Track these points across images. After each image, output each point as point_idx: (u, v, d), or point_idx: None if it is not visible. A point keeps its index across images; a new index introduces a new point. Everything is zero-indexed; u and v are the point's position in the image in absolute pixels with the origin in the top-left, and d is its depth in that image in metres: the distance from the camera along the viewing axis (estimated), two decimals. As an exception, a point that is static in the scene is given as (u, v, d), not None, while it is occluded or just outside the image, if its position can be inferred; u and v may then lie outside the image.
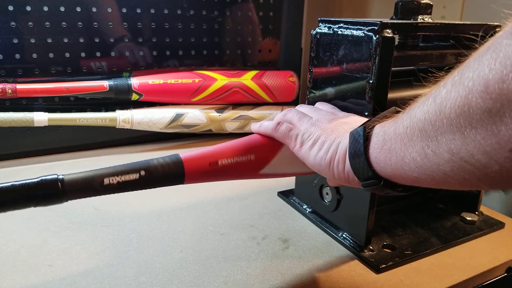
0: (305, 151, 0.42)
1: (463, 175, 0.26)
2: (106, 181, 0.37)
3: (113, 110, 0.77)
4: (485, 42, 0.24)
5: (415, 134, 0.29)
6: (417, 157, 0.29)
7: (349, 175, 0.38)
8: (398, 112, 0.37)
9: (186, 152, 0.42)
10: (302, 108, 0.49)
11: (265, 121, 0.47)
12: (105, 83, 0.76)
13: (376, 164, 0.35)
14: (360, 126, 0.37)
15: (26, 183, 0.35)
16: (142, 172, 0.39)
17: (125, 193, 0.40)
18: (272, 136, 0.46)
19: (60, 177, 0.36)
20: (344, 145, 0.39)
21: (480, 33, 0.50)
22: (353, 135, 0.37)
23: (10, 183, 0.34)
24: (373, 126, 0.36)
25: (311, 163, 0.42)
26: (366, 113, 0.46)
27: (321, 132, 0.42)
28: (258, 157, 0.45)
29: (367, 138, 0.35)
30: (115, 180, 0.38)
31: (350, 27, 0.48)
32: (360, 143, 0.36)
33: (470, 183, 0.26)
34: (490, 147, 0.23)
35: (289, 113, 0.47)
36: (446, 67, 0.29)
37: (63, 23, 0.73)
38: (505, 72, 0.21)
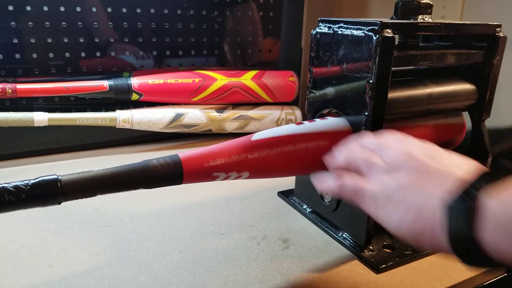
0: (383, 216, 0.35)
1: None
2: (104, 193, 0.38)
3: (113, 110, 0.77)
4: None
5: None
6: None
7: (441, 248, 0.32)
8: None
9: (184, 152, 0.42)
10: (368, 141, 0.40)
11: (325, 175, 0.41)
12: (105, 83, 0.76)
13: (491, 250, 0.28)
14: (459, 196, 0.30)
15: (24, 183, 0.35)
16: (140, 189, 0.40)
17: (125, 193, 0.40)
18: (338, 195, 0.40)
19: (59, 177, 0.36)
20: (436, 216, 0.31)
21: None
22: (452, 210, 0.30)
23: (8, 184, 0.34)
24: (478, 196, 0.29)
25: (394, 231, 0.35)
26: (366, 113, 0.46)
27: (401, 189, 0.34)
28: None
29: (473, 214, 0.28)
30: (112, 193, 0.39)
31: (350, 27, 0.48)
32: (466, 225, 0.28)
33: None
34: None
35: (353, 155, 0.40)
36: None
37: (63, 23, 0.73)
38: None
